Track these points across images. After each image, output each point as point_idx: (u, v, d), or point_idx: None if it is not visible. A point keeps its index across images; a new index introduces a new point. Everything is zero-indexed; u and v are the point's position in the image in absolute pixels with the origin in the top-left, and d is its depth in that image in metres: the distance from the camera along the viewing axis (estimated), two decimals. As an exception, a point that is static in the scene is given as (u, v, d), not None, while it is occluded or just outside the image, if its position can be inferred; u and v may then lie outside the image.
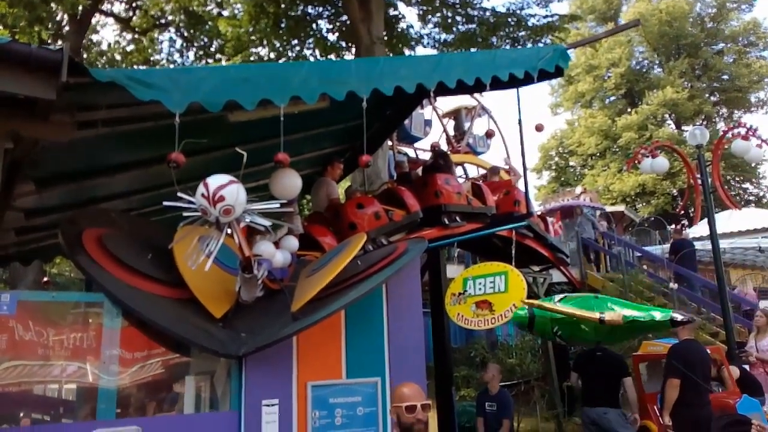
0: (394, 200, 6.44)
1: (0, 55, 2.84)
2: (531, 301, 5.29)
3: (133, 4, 18.24)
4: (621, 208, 23.30)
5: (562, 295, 5.50)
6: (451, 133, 16.51)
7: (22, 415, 3.71)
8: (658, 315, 4.89)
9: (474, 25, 14.60)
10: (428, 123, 16.14)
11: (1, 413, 3.57)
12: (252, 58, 15.26)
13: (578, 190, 19.84)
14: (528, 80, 5.42)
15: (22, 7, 12.07)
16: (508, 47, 14.53)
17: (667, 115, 32.98)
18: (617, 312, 4.96)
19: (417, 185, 6.89)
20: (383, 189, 7.09)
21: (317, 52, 15.03)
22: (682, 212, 24.41)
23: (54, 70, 2.94)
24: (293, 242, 4.78)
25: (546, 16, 14.75)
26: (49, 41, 15.97)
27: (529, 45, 14.63)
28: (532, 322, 5.30)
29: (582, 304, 5.15)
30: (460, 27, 14.87)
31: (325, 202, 6.48)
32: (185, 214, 3.44)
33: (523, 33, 14.76)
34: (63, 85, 2.99)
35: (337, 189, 6.86)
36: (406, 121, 13.84)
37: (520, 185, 7.96)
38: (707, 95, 34.43)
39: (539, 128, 5.89)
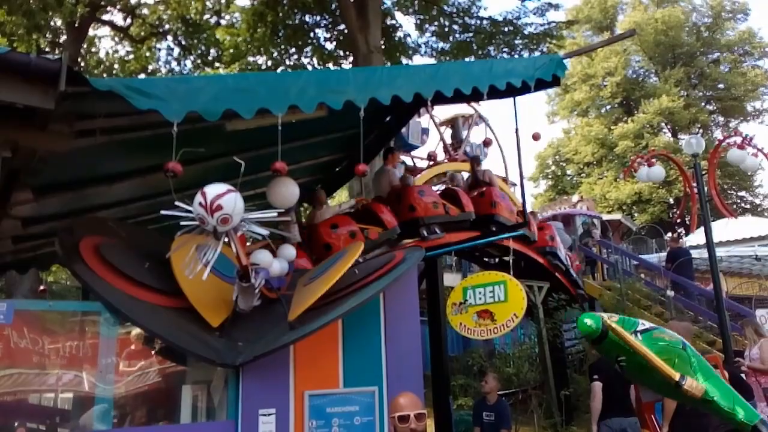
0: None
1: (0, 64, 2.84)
2: (613, 324, 4.69)
3: (131, 13, 18.29)
4: (617, 216, 23.34)
5: (648, 325, 4.80)
6: (449, 141, 16.55)
7: (17, 424, 3.69)
8: (741, 413, 3.95)
9: (471, 34, 14.68)
10: (425, 131, 16.18)
11: (-4, 422, 3.56)
12: (249, 67, 15.30)
13: (575, 198, 19.89)
14: (525, 89, 5.45)
15: (21, 15, 12.09)
16: (505, 56, 14.61)
17: (663, 124, 33.10)
18: (699, 384, 4.37)
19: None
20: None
21: (315, 60, 15.09)
22: (679, 220, 24.46)
23: (53, 80, 2.94)
24: (290, 251, 4.79)
25: (543, 24, 14.84)
26: (47, 49, 15.99)
27: (526, 53, 14.72)
28: (602, 339, 4.76)
29: (665, 350, 4.51)
30: (457, 36, 14.96)
31: (387, 189, 6.98)
32: (183, 223, 3.44)
33: (519, 41, 14.84)
34: (61, 95, 3.00)
35: (397, 176, 7.24)
36: (404, 130, 13.89)
37: (517, 193, 8.05)
38: (703, 104, 34.59)
39: (536, 137, 5.92)
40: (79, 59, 16.17)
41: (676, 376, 4.12)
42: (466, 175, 16.27)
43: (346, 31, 13.39)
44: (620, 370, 4.53)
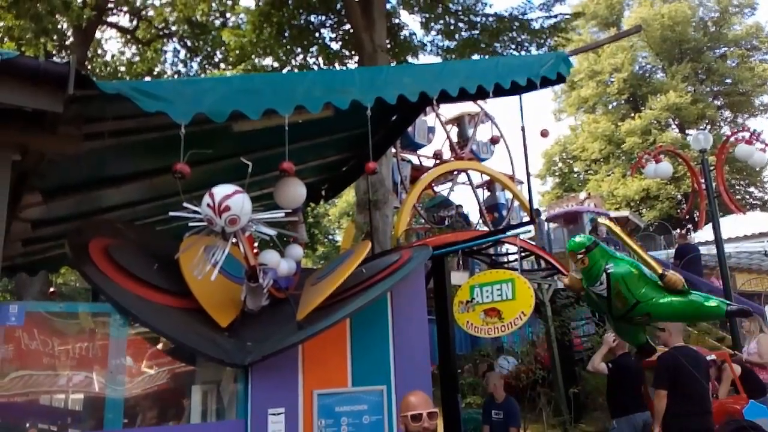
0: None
1: (9, 69, 2.87)
2: (611, 225, 5.12)
3: (138, 15, 18.36)
4: (625, 213, 23.28)
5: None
6: (455, 139, 16.57)
7: (28, 425, 3.72)
8: (713, 301, 4.75)
9: (477, 32, 14.64)
10: (431, 130, 16.21)
11: (8, 423, 3.59)
12: (256, 68, 15.33)
13: (582, 195, 19.85)
14: (530, 87, 5.44)
15: (29, 19, 12.17)
16: (511, 52, 14.57)
17: (670, 120, 32.96)
18: (678, 276, 4.79)
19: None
20: None
21: (320, 60, 15.10)
22: (687, 217, 24.36)
23: (61, 83, 2.97)
24: (298, 251, 4.80)
25: (549, 17, 14.76)
26: (54, 53, 16.08)
27: (533, 49, 14.67)
28: (591, 249, 5.07)
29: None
30: (462, 33, 14.92)
31: None
32: (191, 224, 3.47)
33: (526, 37, 14.78)
34: (70, 98, 3.02)
35: None
36: (410, 129, 13.90)
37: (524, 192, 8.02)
38: (711, 99, 34.41)
39: (544, 134, 5.90)
40: (85, 62, 16.25)
41: (660, 268, 4.51)
42: (476, 175, 16.36)
43: (351, 30, 13.40)
44: (599, 286, 4.80)
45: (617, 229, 5.18)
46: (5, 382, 3.45)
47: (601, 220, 5.26)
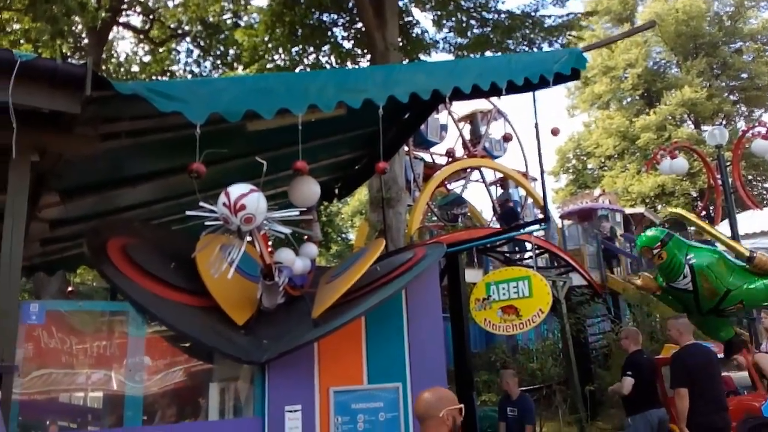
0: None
1: (27, 71, 2.91)
2: (683, 212, 4.93)
3: (151, 16, 18.49)
4: (640, 209, 23.09)
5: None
6: (468, 137, 16.52)
7: (48, 423, 3.78)
8: None
9: (489, 29, 14.59)
10: (444, 128, 16.17)
11: (29, 421, 3.64)
12: (269, 66, 15.37)
13: (597, 192, 19.73)
14: (543, 84, 5.41)
15: (45, 22, 12.30)
16: (524, 49, 14.50)
17: (686, 115, 32.61)
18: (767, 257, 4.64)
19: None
20: None
21: (333, 59, 15.12)
22: (703, 213, 24.11)
23: (78, 85, 3.01)
24: (312, 249, 4.83)
25: (562, 16, 14.70)
26: (69, 54, 16.24)
27: (546, 46, 14.60)
28: (665, 243, 4.86)
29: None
30: (474, 31, 14.87)
31: None
32: (207, 223, 3.50)
33: (539, 34, 14.72)
34: (87, 99, 3.06)
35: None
36: (423, 126, 13.88)
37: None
38: (726, 94, 33.98)
39: (555, 132, 5.87)
40: (100, 63, 16.37)
41: (747, 251, 4.37)
42: (489, 172, 16.33)
43: (363, 29, 13.40)
44: (682, 278, 4.56)
45: (692, 217, 5.02)
46: (26, 380, 3.50)
47: (675, 210, 5.15)
